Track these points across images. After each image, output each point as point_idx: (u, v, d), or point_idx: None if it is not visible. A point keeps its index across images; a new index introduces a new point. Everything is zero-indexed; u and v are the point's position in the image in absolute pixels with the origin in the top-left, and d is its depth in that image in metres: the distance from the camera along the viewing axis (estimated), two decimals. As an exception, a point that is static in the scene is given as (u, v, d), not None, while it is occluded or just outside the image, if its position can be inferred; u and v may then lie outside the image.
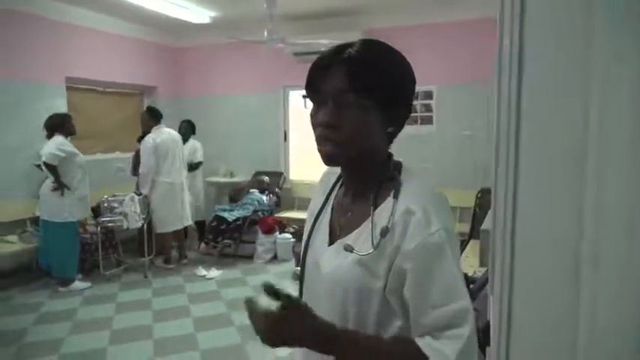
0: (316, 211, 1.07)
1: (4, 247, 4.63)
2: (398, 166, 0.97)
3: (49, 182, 4.50)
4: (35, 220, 4.83)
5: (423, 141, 5.76)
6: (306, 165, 6.70)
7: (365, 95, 0.87)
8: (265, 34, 4.94)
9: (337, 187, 1.07)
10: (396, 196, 0.89)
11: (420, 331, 0.84)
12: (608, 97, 0.44)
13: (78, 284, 4.68)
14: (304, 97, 0.95)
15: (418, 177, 0.95)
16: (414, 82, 0.95)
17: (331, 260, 0.95)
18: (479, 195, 5.06)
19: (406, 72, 0.94)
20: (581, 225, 0.45)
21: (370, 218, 0.91)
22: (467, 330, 0.80)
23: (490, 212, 2.07)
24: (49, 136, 4.52)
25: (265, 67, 6.45)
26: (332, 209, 1.04)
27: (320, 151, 0.92)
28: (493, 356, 0.77)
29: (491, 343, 0.86)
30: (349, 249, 0.91)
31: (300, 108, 6.57)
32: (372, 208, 0.92)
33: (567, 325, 0.48)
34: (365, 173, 0.96)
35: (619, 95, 0.43)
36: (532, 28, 0.54)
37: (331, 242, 0.99)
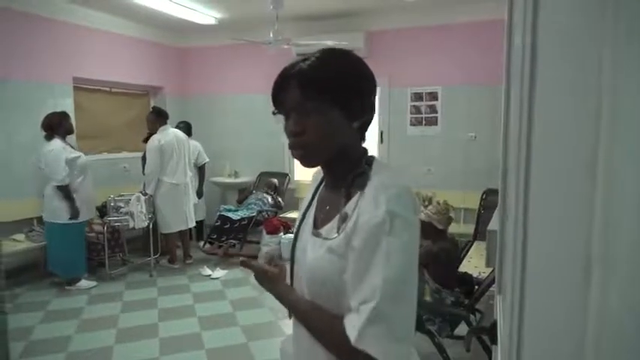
0: (305, 205, 1.17)
1: (12, 246, 4.64)
2: (370, 161, 1.04)
3: (50, 185, 4.49)
4: (42, 220, 4.87)
5: (427, 142, 5.76)
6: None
7: (318, 99, 0.96)
8: (271, 35, 4.96)
9: (323, 183, 1.16)
10: (362, 189, 0.97)
11: (350, 305, 0.91)
12: (620, 97, 0.45)
13: (84, 283, 4.71)
14: (274, 113, 1.06)
15: (386, 171, 1.02)
16: (370, 78, 1.04)
17: (311, 250, 1.04)
18: (483, 196, 5.06)
19: (360, 69, 1.02)
20: (591, 222, 0.46)
21: (340, 211, 1.00)
22: (373, 303, 0.86)
23: (496, 212, 2.08)
24: (48, 136, 4.49)
25: (270, 67, 6.40)
26: (317, 202, 1.14)
27: (294, 156, 1.03)
28: (504, 353, 0.78)
29: (502, 341, 0.87)
30: (316, 234, 1.03)
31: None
32: (343, 202, 1.00)
33: (577, 322, 0.49)
34: (340, 169, 1.04)
35: (632, 95, 0.44)
36: (545, 30, 0.55)
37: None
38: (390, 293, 0.87)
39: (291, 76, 1.00)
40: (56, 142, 4.49)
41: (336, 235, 0.97)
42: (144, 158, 5.47)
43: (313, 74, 0.98)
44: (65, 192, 4.48)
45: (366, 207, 0.93)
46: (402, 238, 0.91)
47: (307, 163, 1.03)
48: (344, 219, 0.96)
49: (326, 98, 0.97)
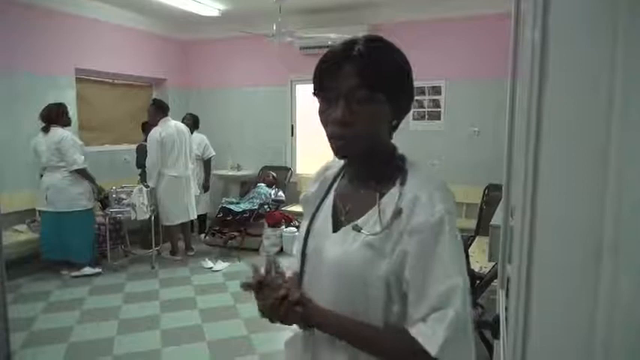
0: (317, 201, 1.09)
1: (14, 237, 4.66)
2: (402, 158, 1.01)
3: (62, 175, 4.54)
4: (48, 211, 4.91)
5: (430, 136, 5.75)
6: (313, 159, 6.71)
7: (376, 91, 0.90)
8: (274, 27, 4.94)
9: (339, 178, 1.09)
10: (402, 184, 0.93)
11: (415, 315, 0.86)
12: (632, 92, 0.45)
13: (88, 269, 4.77)
14: (315, 94, 0.97)
15: (422, 168, 0.99)
16: (411, 76, 0.99)
17: (337, 246, 0.97)
18: (486, 191, 5.05)
19: (407, 66, 0.98)
20: (602, 212, 0.46)
21: (377, 205, 0.95)
22: (452, 309, 0.82)
23: (500, 207, 2.08)
24: (46, 128, 4.54)
25: (273, 60, 6.46)
26: (334, 198, 1.06)
27: (333, 146, 0.95)
28: (509, 346, 0.78)
29: (508, 334, 0.87)
30: (357, 228, 0.94)
31: (307, 102, 6.62)
32: (377, 195, 0.96)
33: (586, 313, 0.49)
34: (371, 164, 0.99)
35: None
36: (557, 23, 0.55)
37: (335, 230, 1.01)
38: (464, 297, 0.83)
39: (346, 59, 0.91)
40: (62, 130, 4.57)
41: (379, 229, 0.91)
42: (138, 150, 5.51)
43: (377, 64, 0.91)
44: (86, 174, 4.65)
45: (417, 204, 0.89)
46: (458, 237, 0.89)
47: (344, 154, 0.97)
48: (397, 215, 0.90)
49: (383, 92, 0.91)
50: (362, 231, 0.93)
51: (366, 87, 0.90)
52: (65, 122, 4.65)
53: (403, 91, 0.96)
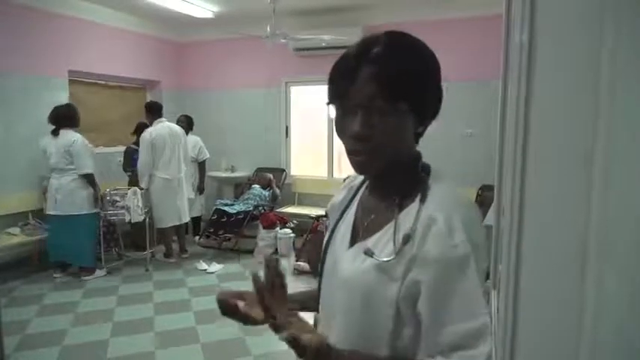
0: (340, 210, 1.02)
1: (7, 240, 4.64)
2: (426, 168, 0.92)
3: (71, 178, 4.53)
4: (38, 213, 4.87)
5: (424, 137, 5.75)
6: (307, 160, 6.71)
7: (397, 100, 0.80)
8: (268, 29, 4.94)
9: (363, 187, 1.02)
10: (422, 200, 0.84)
11: (432, 348, 0.79)
12: (618, 92, 0.45)
13: (99, 272, 4.84)
14: (328, 104, 0.87)
15: (447, 182, 0.89)
16: (439, 74, 0.89)
17: (350, 263, 0.90)
18: (479, 192, 5.08)
19: (435, 65, 0.88)
20: (587, 216, 0.46)
21: (393, 222, 0.86)
22: (482, 351, 0.73)
23: (492, 208, 2.08)
24: (56, 131, 4.50)
25: (267, 62, 6.46)
26: (356, 209, 0.99)
27: (352, 161, 0.87)
28: (499, 346, 0.78)
29: (496, 334, 0.86)
30: (369, 253, 0.86)
31: (301, 104, 6.62)
32: (396, 210, 0.86)
33: (573, 313, 0.49)
34: (393, 175, 0.90)
35: (630, 90, 0.44)
36: (543, 22, 0.55)
37: (352, 243, 0.94)
38: (487, 334, 0.74)
39: (364, 62, 0.80)
40: (73, 133, 4.55)
41: (392, 256, 0.82)
42: (125, 153, 5.52)
43: (398, 67, 0.81)
44: (92, 179, 4.63)
45: (433, 227, 0.80)
46: (483, 267, 0.80)
47: (365, 171, 0.90)
48: (406, 240, 0.81)
49: (405, 100, 0.80)
50: (374, 256, 0.85)
51: (387, 95, 0.79)
52: (75, 124, 4.61)
53: (430, 94, 0.87)
